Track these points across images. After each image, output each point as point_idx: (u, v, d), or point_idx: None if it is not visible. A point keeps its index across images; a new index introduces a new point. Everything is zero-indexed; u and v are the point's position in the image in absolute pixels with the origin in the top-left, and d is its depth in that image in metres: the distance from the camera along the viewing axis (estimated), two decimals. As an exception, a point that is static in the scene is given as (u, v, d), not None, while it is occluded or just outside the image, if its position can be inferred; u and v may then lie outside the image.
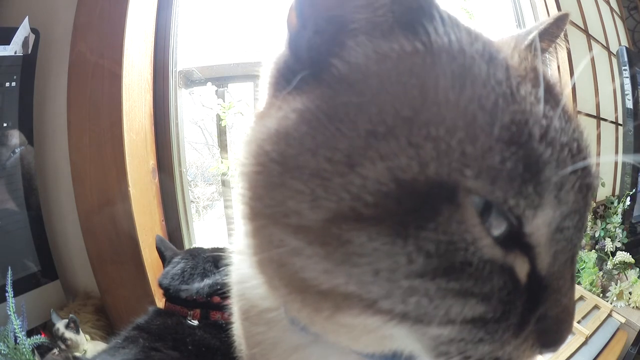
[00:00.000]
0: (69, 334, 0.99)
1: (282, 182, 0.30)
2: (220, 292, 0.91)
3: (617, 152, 1.88)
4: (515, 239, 0.29)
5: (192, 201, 1.56)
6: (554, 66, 0.46)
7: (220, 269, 0.93)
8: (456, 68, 0.29)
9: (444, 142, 0.28)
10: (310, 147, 0.30)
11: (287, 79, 0.34)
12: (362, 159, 0.28)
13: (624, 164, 1.83)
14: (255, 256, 0.34)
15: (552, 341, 0.31)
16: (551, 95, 0.31)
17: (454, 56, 0.30)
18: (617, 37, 2.07)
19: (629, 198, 1.75)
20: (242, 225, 0.35)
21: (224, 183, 1.52)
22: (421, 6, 0.32)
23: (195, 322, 0.89)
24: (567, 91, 0.33)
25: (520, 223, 0.29)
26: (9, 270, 0.98)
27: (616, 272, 1.53)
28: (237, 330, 0.51)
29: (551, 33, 0.43)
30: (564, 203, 0.29)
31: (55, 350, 1.00)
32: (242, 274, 0.44)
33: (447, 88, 0.29)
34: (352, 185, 0.28)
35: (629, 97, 1.88)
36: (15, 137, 1.15)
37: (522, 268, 0.30)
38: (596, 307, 1.42)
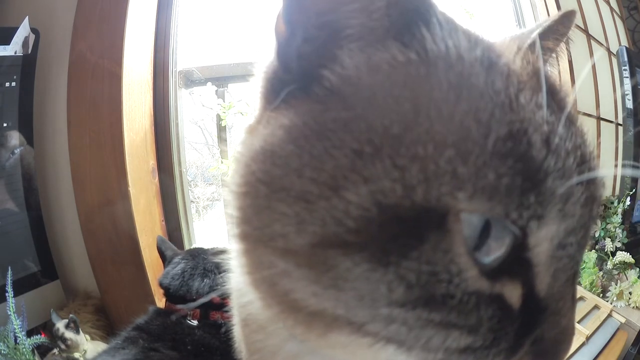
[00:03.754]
0: (69, 334, 0.99)
1: (268, 205, 0.29)
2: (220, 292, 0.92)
3: (617, 152, 1.87)
4: (512, 258, 0.27)
5: (192, 201, 1.56)
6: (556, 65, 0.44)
7: (222, 273, 0.93)
8: (453, 78, 0.27)
9: (432, 163, 0.26)
10: (296, 168, 0.28)
11: (276, 90, 0.32)
12: (345, 182, 0.26)
13: (624, 164, 1.83)
14: (248, 275, 0.34)
15: None
16: (554, 100, 0.29)
17: (451, 65, 0.28)
18: (617, 37, 2.07)
19: (629, 198, 1.75)
20: (234, 244, 0.34)
21: (224, 183, 1.52)
22: (417, 10, 0.29)
23: (195, 322, 0.89)
24: (572, 95, 0.31)
25: (524, 234, 0.27)
26: (9, 270, 0.98)
27: (616, 272, 1.53)
28: (237, 334, 0.51)
29: (557, 31, 0.40)
30: (569, 217, 0.27)
31: (55, 350, 1.00)
32: (240, 282, 0.44)
33: (441, 101, 0.27)
34: (335, 209, 0.26)
35: (629, 97, 1.87)
36: (15, 137, 1.15)
37: (513, 294, 0.28)
38: (596, 307, 1.42)
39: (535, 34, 0.36)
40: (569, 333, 0.30)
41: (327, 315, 0.29)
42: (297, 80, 0.31)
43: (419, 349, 0.27)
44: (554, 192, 0.26)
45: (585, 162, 0.28)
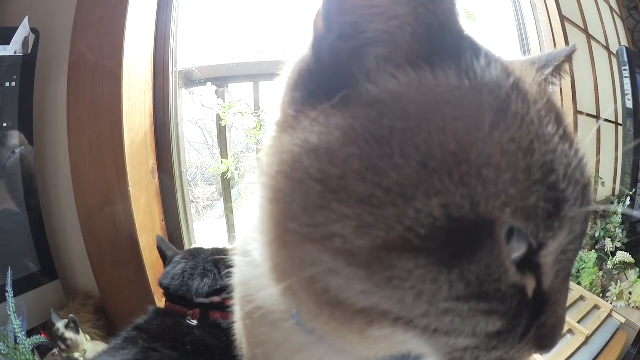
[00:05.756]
0: (69, 334, 0.99)
1: (324, 204, 0.29)
2: (220, 292, 0.92)
3: (616, 152, 1.87)
4: (528, 261, 0.31)
5: (192, 201, 1.57)
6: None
7: (223, 273, 0.93)
8: (496, 105, 0.29)
9: (493, 184, 0.28)
10: (357, 170, 0.29)
11: (305, 82, 0.34)
12: (416, 192, 0.28)
13: (624, 163, 1.83)
14: (277, 273, 0.34)
15: (547, 344, 0.34)
16: (564, 129, 0.32)
17: (492, 92, 0.30)
18: (617, 37, 2.07)
19: (629, 198, 1.75)
20: (265, 237, 0.34)
21: (224, 183, 1.52)
22: (463, 36, 0.32)
23: (195, 322, 0.89)
24: (570, 120, 0.34)
25: (540, 248, 0.31)
26: (9, 270, 0.98)
27: (616, 272, 1.53)
28: (239, 330, 0.51)
29: (562, 66, 0.44)
30: (573, 232, 0.31)
31: (55, 350, 1.00)
32: (246, 275, 0.44)
33: (493, 126, 0.29)
34: (405, 217, 0.28)
35: (629, 97, 1.87)
36: (15, 137, 1.15)
37: (530, 286, 0.32)
38: (596, 307, 1.42)
39: (547, 71, 0.40)
40: (563, 320, 0.35)
41: (373, 312, 0.30)
42: (326, 73, 0.32)
43: (464, 336, 0.31)
44: (567, 215, 0.30)
45: (587, 186, 0.32)
